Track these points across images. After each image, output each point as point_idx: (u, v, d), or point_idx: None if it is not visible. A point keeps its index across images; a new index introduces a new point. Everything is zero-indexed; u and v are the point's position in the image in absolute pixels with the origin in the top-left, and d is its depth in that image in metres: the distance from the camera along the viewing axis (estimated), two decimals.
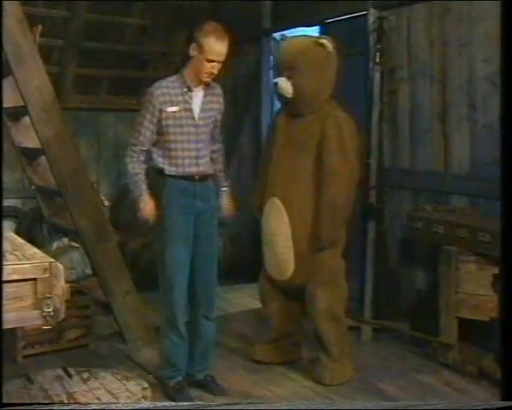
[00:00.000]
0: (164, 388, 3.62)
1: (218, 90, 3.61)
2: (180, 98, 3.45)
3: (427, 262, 4.45)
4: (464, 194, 4.28)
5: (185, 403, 3.37)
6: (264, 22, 5.97)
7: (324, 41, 3.82)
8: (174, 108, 3.43)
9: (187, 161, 3.47)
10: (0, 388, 2.43)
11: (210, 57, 3.36)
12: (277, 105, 6.20)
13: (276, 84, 3.85)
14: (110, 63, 6.23)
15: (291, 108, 3.90)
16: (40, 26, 4.57)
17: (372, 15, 4.67)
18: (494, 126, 3.82)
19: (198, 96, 3.50)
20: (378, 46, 4.62)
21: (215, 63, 3.39)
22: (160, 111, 3.43)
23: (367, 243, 4.59)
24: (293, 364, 4.07)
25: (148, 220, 3.46)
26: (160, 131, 3.46)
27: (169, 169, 3.47)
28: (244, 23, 6.01)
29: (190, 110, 3.47)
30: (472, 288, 3.85)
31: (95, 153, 6.51)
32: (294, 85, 3.78)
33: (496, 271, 3.67)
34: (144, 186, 3.47)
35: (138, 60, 6.44)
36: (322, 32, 5.33)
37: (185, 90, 3.46)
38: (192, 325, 3.66)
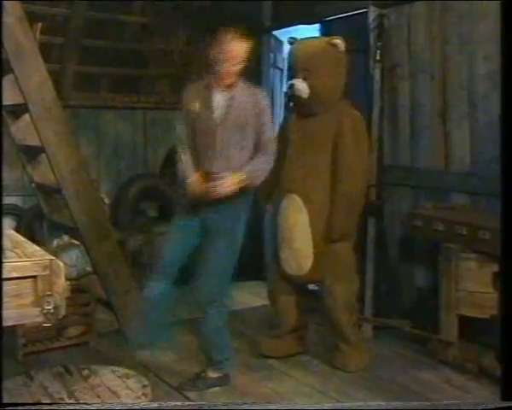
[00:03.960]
0: None
1: (257, 96, 3.55)
2: (202, 98, 3.49)
3: (427, 260, 4.45)
4: (464, 192, 4.28)
5: (185, 403, 3.38)
6: (265, 20, 5.97)
7: (337, 41, 3.94)
8: (195, 107, 3.48)
9: (201, 161, 3.48)
10: (0, 388, 2.43)
11: (229, 58, 3.39)
12: (278, 103, 6.25)
13: (291, 85, 3.94)
14: (110, 61, 6.22)
15: (306, 108, 3.99)
16: (40, 24, 4.57)
17: (372, 13, 4.67)
18: (494, 124, 3.81)
19: (223, 98, 3.48)
20: (378, 44, 4.63)
21: (234, 64, 3.41)
22: (186, 109, 3.52)
23: (367, 241, 4.60)
24: (293, 361, 4.09)
25: (196, 191, 3.44)
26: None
27: None
28: (244, 21, 6.00)
29: (211, 111, 3.47)
30: (472, 285, 3.86)
31: (95, 151, 6.50)
32: (310, 86, 3.89)
33: (496, 268, 3.67)
34: (191, 165, 3.50)
35: (138, 58, 6.43)
36: (322, 30, 5.34)
37: (209, 90, 3.49)
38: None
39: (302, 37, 4.36)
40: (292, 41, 4.19)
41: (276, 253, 4.12)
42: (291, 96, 3.99)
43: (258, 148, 3.52)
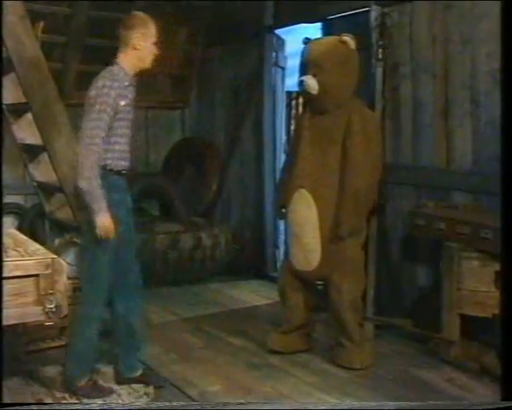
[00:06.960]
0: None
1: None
2: (126, 91, 3.43)
3: (429, 259, 4.44)
4: (466, 190, 4.27)
5: (185, 403, 3.37)
6: (266, 19, 5.97)
7: (346, 38, 4.00)
8: (124, 102, 3.40)
9: (124, 155, 3.46)
10: (0, 388, 2.43)
11: (155, 40, 3.43)
12: (279, 103, 6.24)
13: (301, 81, 4.00)
14: (112, 60, 6.22)
15: (317, 104, 4.05)
16: (42, 23, 4.57)
17: (374, 12, 4.67)
18: (496, 123, 3.80)
19: (134, 89, 3.51)
20: (380, 42, 4.63)
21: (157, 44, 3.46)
22: (116, 106, 3.35)
23: (369, 240, 4.59)
24: (294, 360, 4.09)
25: (108, 236, 3.33)
26: (110, 126, 3.36)
27: (115, 164, 3.41)
28: (246, 20, 6.01)
29: (132, 105, 3.47)
30: (474, 284, 3.85)
31: None
32: (320, 82, 3.94)
33: (498, 267, 3.66)
34: (105, 201, 3.31)
35: None
36: (324, 29, 5.34)
37: (128, 83, 3.45)
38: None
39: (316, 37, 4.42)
40: (306, 41, 4.24)
41: (288, 249, 4.19)
42: (302, 92, 4.05)
43: None
